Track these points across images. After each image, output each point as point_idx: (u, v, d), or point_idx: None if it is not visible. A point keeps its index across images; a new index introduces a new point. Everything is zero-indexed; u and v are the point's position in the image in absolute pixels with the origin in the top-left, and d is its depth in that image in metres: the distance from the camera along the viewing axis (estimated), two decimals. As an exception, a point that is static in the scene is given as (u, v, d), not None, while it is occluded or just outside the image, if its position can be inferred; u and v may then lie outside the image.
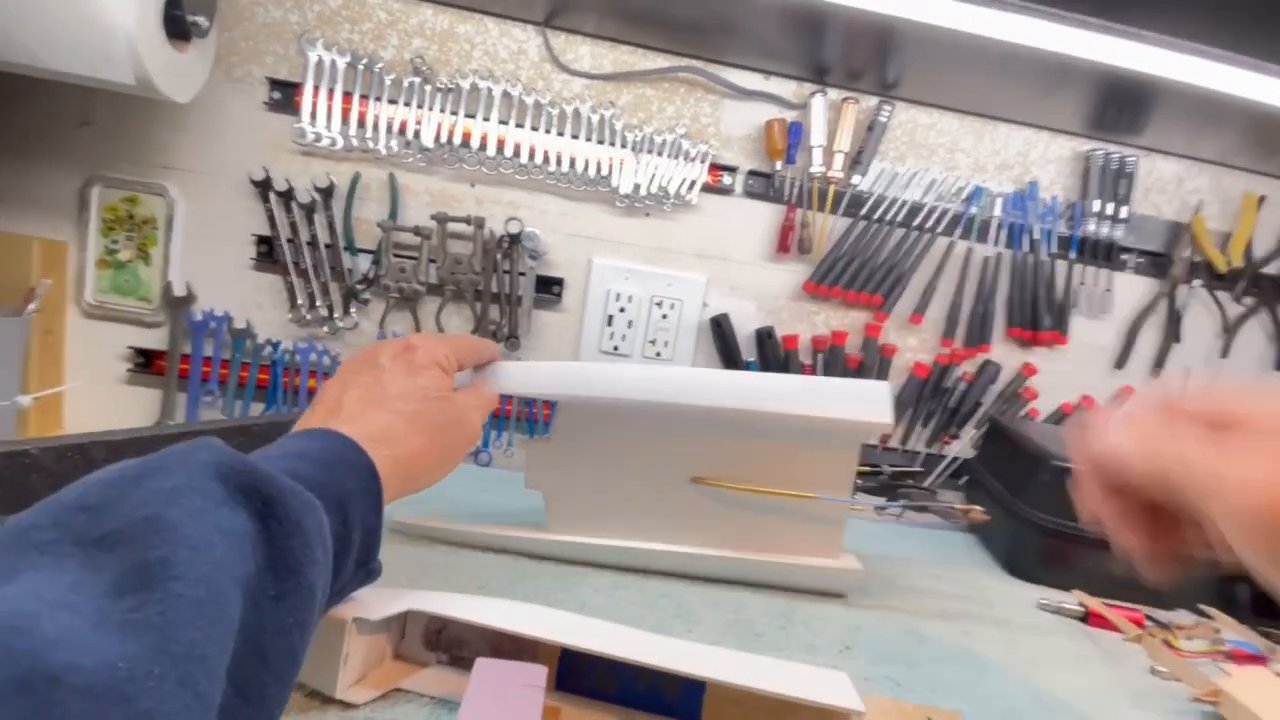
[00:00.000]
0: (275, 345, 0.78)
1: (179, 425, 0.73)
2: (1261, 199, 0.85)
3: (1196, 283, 0.86)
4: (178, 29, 0.63)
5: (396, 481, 0.36)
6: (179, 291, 0.76)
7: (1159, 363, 0.88)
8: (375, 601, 0.37)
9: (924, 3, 0.54)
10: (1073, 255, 0.83)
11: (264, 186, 0.75)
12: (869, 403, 0.50)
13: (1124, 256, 0.85)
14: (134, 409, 0.79)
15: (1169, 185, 0.85)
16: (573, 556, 0.55)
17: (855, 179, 0.80)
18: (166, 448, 0.26)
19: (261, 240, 0.77)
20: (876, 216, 0.81)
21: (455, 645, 0.40)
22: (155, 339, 0.78)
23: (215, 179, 0.76)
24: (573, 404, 0.51)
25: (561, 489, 0.54)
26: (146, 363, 0.78)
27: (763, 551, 0.54)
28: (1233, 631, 0.59)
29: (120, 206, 0.75)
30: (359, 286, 0.78)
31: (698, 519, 0.54)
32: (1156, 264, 0.86)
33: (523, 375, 0.49)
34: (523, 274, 0.79)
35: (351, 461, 0.34)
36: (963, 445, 0.86)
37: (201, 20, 0.65)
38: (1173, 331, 0.87)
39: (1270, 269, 0.87)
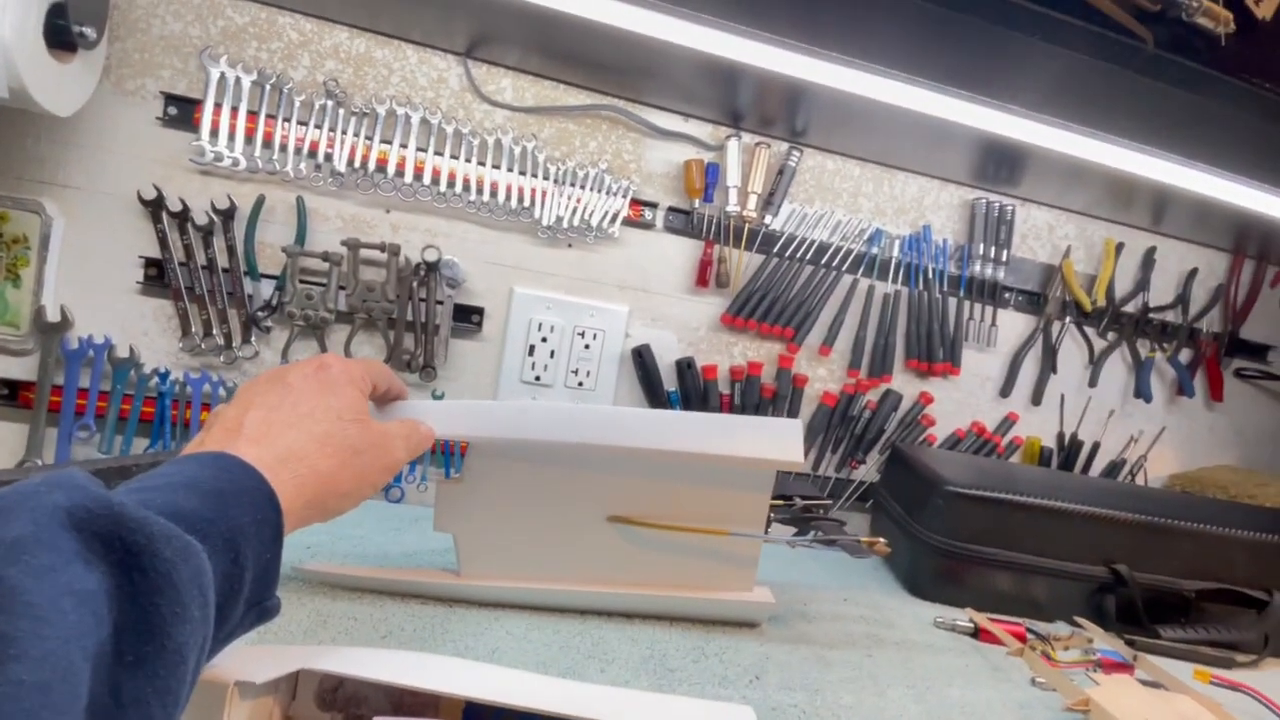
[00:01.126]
0: (163, 375, 0.72)
1: (46, 466, 0.66)
2: (1120, 245, 0.96)
3: (1068, 319, 0.96)
4: (61, 40, 0.59)
5: (301, 508, 0.34)
6: (52, 316, 0.70)
7: (1038, 391, 0.96)
8: (262, 661, 0.35)
9: (821, 68, 0.59)
10: (962, 293, 0.91)
11: (155, 206, 0.70)
12: (781, 441, 0.51)
13: (1006, 295, 0.93)
14: (-7, 446, 0.71)
15: (1042, 232, 0.94)
16: (487, 600, 0.54)
17: (768, 218, 0.84)
18: (16, 484, 0.23)
19: (151, 263, 0.72)
20: (788, 254, 0.85)
21: (353, 703, 0.38)
22: (23, 368, 0.71)
23: (100, 197, 0.70)
24: (486, 443, 0.50)
25: (474, 531, 0.52)
26: (12, 394, 0.71)
27: (678, 588, 0.55)
28: (1102, 640, 0.65)
29: (-16, 223, 0.68)
30: (260, 313, 0.74)
31: (614, 557, 0.53)
32: (1033, 302, 0.95)
33: (440, 414, 0.48)
34: (440, 302, 0.77)
35: (248, 490, 0.31)
36: (868, 470, 0.90)
37: (89, 31, 0.61)
38: (1049, 363, 0.96)
39: (1128, 308, 0.98)
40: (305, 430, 0.36)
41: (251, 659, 0.35)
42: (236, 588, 0.29)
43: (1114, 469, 0.99)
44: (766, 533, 0.54)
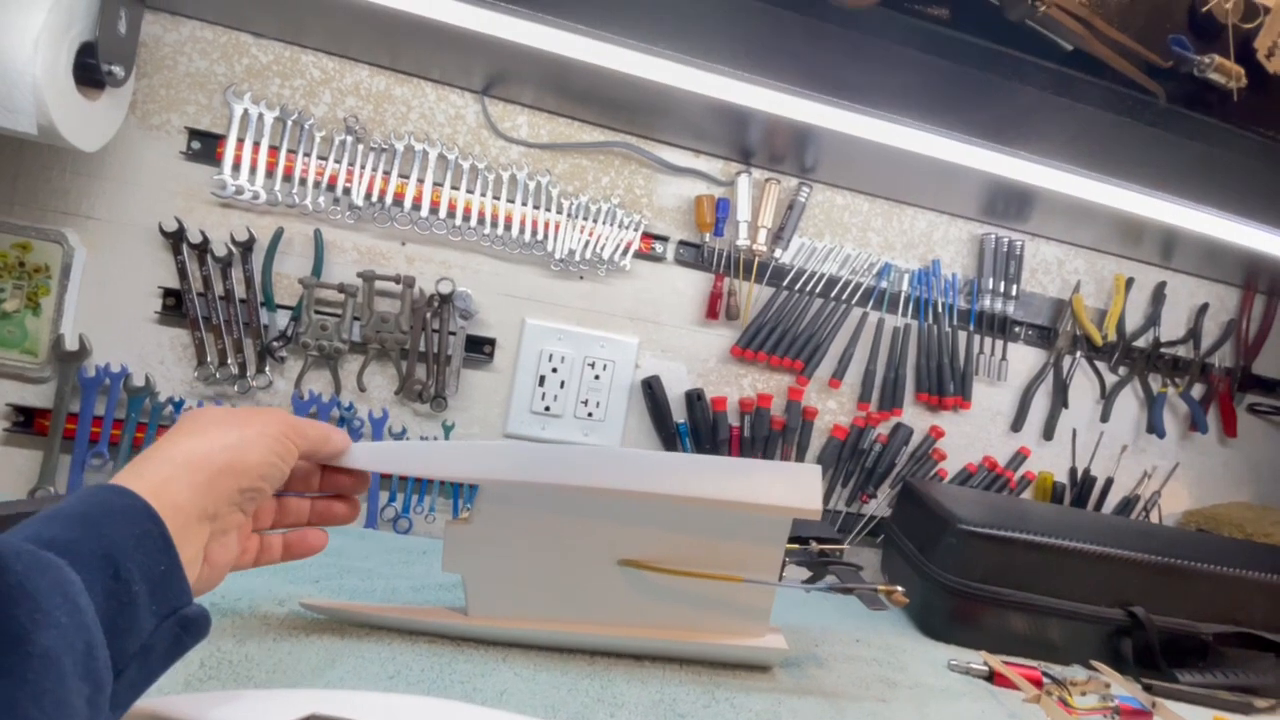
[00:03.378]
0: (178, 404, 0.73)
1: (59, 495, 0.66)
2: (1130, 280, 0.96)
3: (1078, 354, 0.95)
4: (90, 77, 0.61)
5: (204, 488, 0.34)
6: (70, 345, 0.71)
7: (1049, 426, 0.95)
8: (272, 705, 0.34)
9: (830, 114, 0.60)
10: (972, 327, 0.91)
11: (176, 237, 0.71)
12: (800, 489, 0.50)
13: (1016, 329, 0.93)
14: (9, 473, 0.71)
15: (1052, 266, 0.95)
16: (496, 639, 0.53)
17: (778, 252, 0.85)
18: None
19: (169, 293, 0.73)
20: (797, 287, 0.85)
21: (363, 749, 0.37)
22: (39, 396, 0.72)
23: (122, 228, 0.72)
24: (495, 485, 0.50)
25: (483, 572, 0.52)
26: (27, 421, 0.71)
27: (690, 633, 0.54)
28: (1120, 686, 0.64)
29: (10, 253, 0.70)
30: (276, 343, 0.74)
31: (625, 601, 0.53)
32: (1043, 336, 0.95)
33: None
34: (453, 333, 0.78)
35: (120, 509, 0.31)
36: (879, 504, 0.90)
37: (117, 69, 0.63)
38: (1060, 398, 0.95)
39: (1139, 342, 0.97)
40: (187, 443, 0.36)
41: (260, 703, 0.35)
42: (126, 600, 0.29)
43: (1128, 505, 0.98)
44: (781, 577, 0.53)
